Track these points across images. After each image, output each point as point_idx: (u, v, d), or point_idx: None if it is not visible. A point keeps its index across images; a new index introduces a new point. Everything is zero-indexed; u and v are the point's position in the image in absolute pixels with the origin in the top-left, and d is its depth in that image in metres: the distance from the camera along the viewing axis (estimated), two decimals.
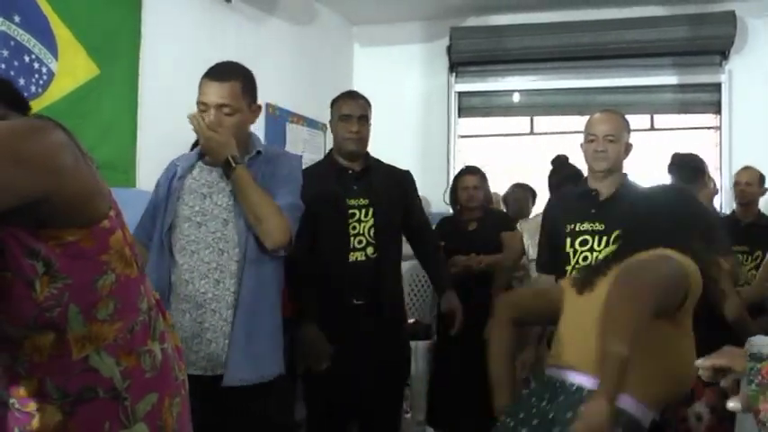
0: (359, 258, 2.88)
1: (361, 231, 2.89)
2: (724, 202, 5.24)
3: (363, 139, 2.98)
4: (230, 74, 2.19)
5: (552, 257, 2.73)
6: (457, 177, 4.23)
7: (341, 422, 2.97)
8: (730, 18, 5.16)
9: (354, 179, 2.97)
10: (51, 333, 1.08)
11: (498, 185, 5.23)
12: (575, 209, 2.69)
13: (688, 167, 3.27)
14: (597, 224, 2.59)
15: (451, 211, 4.36)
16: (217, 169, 2.21)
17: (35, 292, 1.04)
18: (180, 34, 3.80)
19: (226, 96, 2.15)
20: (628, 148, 2.67)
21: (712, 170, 5.40)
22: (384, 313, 2.89)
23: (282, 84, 4.84)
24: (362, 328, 2.84)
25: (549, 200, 3.31)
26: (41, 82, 2.90)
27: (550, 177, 3.82)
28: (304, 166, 2.46)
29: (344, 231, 2.87)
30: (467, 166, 4.40)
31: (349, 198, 2.92)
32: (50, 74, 2.94)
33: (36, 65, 2.89)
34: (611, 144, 2.58)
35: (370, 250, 2.89)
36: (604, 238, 2.57)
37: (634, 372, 1.70)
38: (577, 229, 2.62)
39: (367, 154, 3.06)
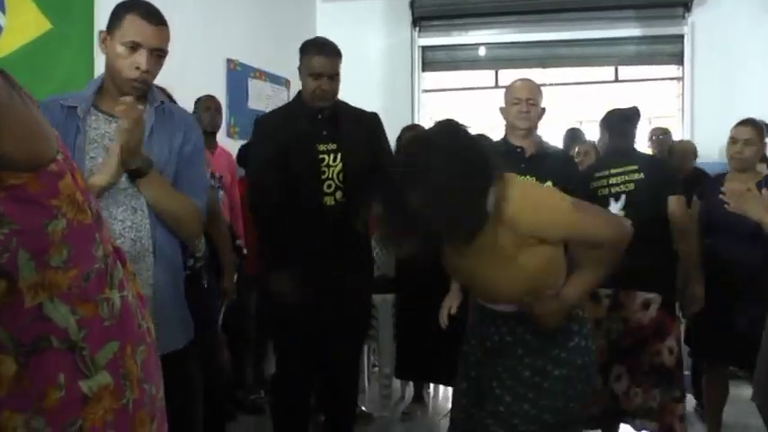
0: (328, 203, 2.90)
1: (330, 176, 2.90)
2: None
3: (334, 95, 2.96)
4: (162, 17, 2.04)
5: None
6: (399, 136, 4.24)
7: (307, 373, 2.98)
8: None
9: (324, 123, 2.96)
10: (2, 281, 1.04)
11: None
12: (505, 163, 2.91)
13: (637, 118, 3.32)
14: (528, 178, 2.82)
15: None
16: (117, 120, 1.97)
17: None
18: None
19: (164, 41, 2.02)
20: (542, 112, 3.02)
21: (675, 120, 5.54)
22: (348, 257, 2.88)
23: (244, 39, 4.74)
24: (326, 271, 2.83)
25: None
26: None
27: None
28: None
29: (317, 176, 2.87)
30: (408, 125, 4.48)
31: (319, 143, 2.92)
32: None
33: None
34: (532, 107, 2.95)
35: (338, 195, 2.90)
36: None
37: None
38: None
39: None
